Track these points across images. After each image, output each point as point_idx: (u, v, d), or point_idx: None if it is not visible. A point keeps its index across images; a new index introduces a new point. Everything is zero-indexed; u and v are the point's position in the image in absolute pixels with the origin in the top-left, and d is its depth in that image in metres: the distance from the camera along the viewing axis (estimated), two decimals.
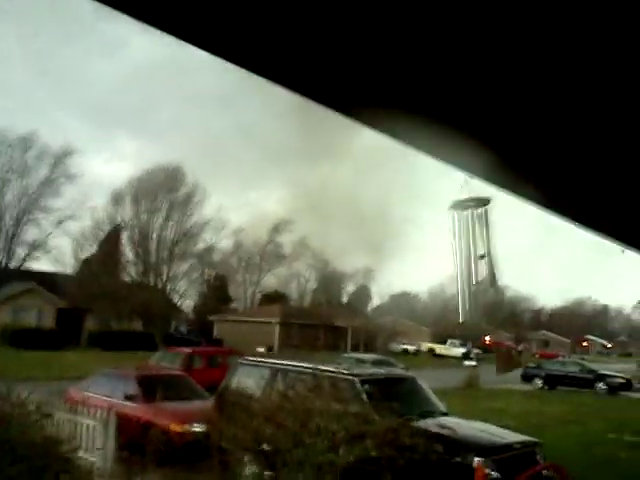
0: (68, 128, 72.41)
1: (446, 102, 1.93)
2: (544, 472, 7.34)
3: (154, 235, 50.38)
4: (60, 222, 50.61)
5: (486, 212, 3.70)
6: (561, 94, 1.80)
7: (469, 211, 3.69)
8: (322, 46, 1.48)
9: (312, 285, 68.37)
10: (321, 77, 1.65)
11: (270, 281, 64.33)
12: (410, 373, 10.16)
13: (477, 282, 3.74)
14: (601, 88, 1.77)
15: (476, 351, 53.57)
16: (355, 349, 46.96)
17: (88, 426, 8.82)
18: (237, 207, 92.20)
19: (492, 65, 1.59)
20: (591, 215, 3.75)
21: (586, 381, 27.66)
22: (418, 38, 1.46)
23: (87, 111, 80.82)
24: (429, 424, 7.39)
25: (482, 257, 3.70)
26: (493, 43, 1.48)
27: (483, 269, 3.71)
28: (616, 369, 32.96)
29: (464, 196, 3.63)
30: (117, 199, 49.84)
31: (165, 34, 1.39)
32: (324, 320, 53.70)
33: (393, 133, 2.36)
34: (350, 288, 72.22)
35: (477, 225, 3.69)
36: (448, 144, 2.48)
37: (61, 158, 50.98)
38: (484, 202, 3.71)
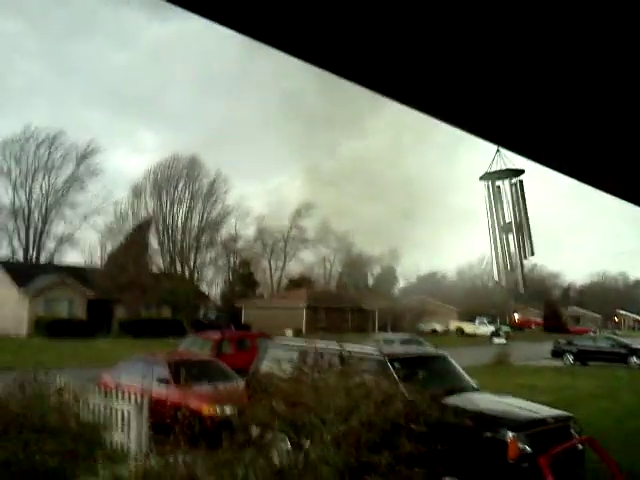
0: (90, 123, 73.39)
1: (480, 77, 1.91)
2: (578, 446, 7.28)
3: (179, 225, 50.91)
4: (86, 217, 51.51)
5: (521, 182, 3.63)
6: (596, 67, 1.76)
7: (503, 181, 3.62)
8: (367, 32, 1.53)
9: (337, 269, 68.47)
10: (366, 59, 1.71)
11: (295, 266, 64.66)
12: (440, 351, 10.11)
13: (512, 252, 3.68)
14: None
15: (505, 329, 53.22)
16: (383, 330, 46.98)
17: (122, 410, 8.98)
18: (260, 194, 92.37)
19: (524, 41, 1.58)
20: (625, 186, 3.66)
21: (619, 356, 27.30)
22: (452, 24, 1.51)
23: (106, 104, 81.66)
24: (460, 399, 7.36)
25: (518, 227, 3.63)
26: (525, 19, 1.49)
27: (519, 239, 3.65)
28: None
29: (496, 168, 3.56)
30: (137, 192, 50.41)
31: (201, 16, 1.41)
32: (350, 303, 53.81)
33: (426, 108, 2.32)
34: (376, 270, 72.19)
35: (512, 195, 3.63)
36: (480, 116, 2.44)
37: (86, 155, 51.74)
38: (518, 173, 3.64)
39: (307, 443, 5.44)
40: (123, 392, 9.16)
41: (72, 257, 52.48)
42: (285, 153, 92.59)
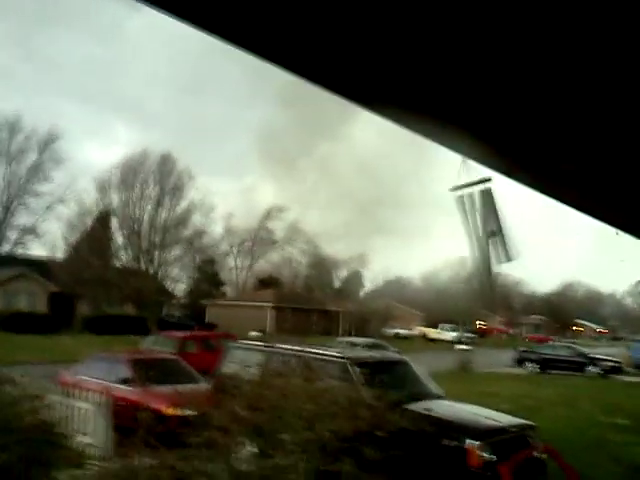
0: (59, 112, 72.09)
1: (446, 94, 1.93)
2: (537, 454, 7.39)
3: (145, 220, 50.16)
4: (49, 207, 50.31)
5: (490, 189, 3.66)
6: (555, 82, 1.78)
7: (473, 189, 3.65)
8: (344, 42, 1.52)
9: (304, 270, 68.43)
10: (341, 70, 1.71)
11: (263, 266, 64.44)
12: (403, 357, 10.17)
13: (492, 259, 3.70)
14: (593, 79, 1.75)
15: (469, 335, 53.86)
16: (347, 333, 47.13)
17: (82, 409, 8.80)
18: (231, 192, 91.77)
19: (487, 59, 1.60)
20: (585, 199, 3.73)
21: (578, 364, 27.90)
22: (422, 40, 1.53)
23: (79, 96, 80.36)
24: (423, 406, 7.40)
25: (494, 233, 3.66)
26: (489, 42, 1.50)
27: (496, 245, 3.68)
28: (607, 353, 33.24)
29: (463, 180, 3.59)
30: (101, 185, 49.53)
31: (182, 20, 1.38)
32: (317, 305, 53.87)
33: (397, 119, 2.33)
34: (343, 273, 72.36)
35: (484, 202, 3.65)
36: (448, 130, 2.46)
37: (49, 142, 50.57)
38: (486, 181, 3.67)
39: (270, 449, 5.40)
40: (84, 390, 8.98)
41: (36, 249, 50.86)
42: (258, 153, 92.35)
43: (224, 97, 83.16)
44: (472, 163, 3.41)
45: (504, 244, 3.64)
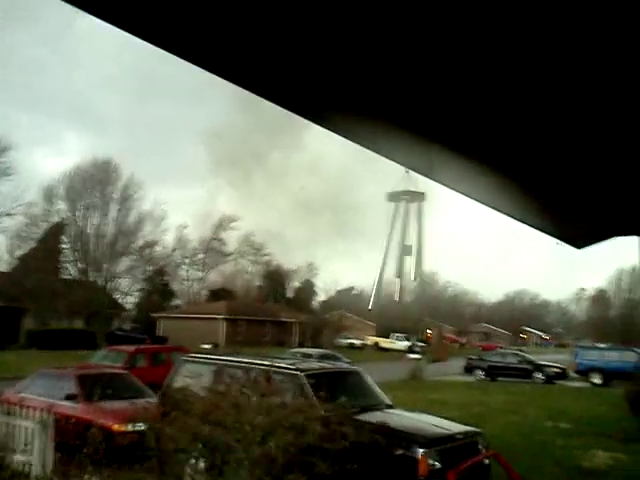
0: (7, 121, 69.86)
1: (390, 103, 1.96)
2: (485, 460, 7.56)
3: (91, 231, 49.06)
4: None
5: (420, 206, 3.74)
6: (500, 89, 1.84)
7: (404, 203, 3.72)
8: (296, 56, 1.51)
9: (257, 281, 68.15)
10: (290, 86, 1.70)
11: (215, 277, 63.88)
12: (355, 367, 10.24)
13: (405, 271, 3.79)
14: (540, 94, 1.82)
15: (420, 344, 54.52)
16: (302, 344, 47.04)
17: (25, 428, 8.53)
18: (181, 203, 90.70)
19: (432, 71, 1.64)
20: (527, 211, 3.86)
21: (525, 371, 28.56)
22: (376, 52, 1.50)
23: (25, 101, 78.13)
24: (373, 417, 7.47)
25: (411, 248, 3.75)
26: (436, 54, 1.52)
27: (412, 260, 3.77)
28: (552, 359, 34.18)
29: (401, 188, 3.66)
30: (48, 195, 48.26)
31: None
32: (270, 315, 53.63)
33: (341, 131, 2.37)
34: (295, 284, 72.33)
35: (411, 217, 3.73)
36: (395, 142, 2.51)
37: None
38: (419, 197, 3.75)
39: (221, 463, 5.36)
40: (27, 408, 8.71)
41: None
42: (211, 163, 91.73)
43: (176, 101, 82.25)
44: (415, 174, 3.47)
45: (419, 259, 3.73)
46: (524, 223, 4.00)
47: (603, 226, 4.08)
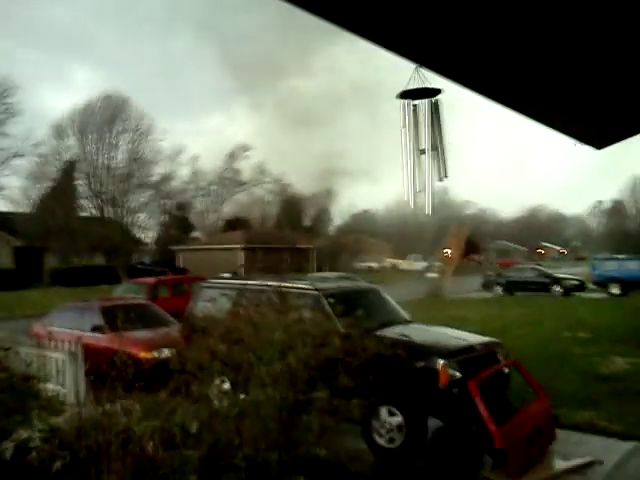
0: (11, 58, 68.75)
1: None
2: (505, 370, 7.68)
3: (104, 167, 49.06)
4: (4, 162, 48.60)
5: (437, 102, 3.58)
6: None
7: (419, 101, 3.57)
8: None
9: (273, 209, 68.24)
10: None
11: (231, 208, 64.06)
12: (373, 285, 10.30)
13: (427, 174, 3.68)
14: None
15: (438, 264, 54.81)
16: (320, 270, 47.56)
17: (56, 359, 8.80)
18: (196, 134, 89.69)
19: None
20: (544, 110, 3.71)
21: (543, 285, 28.77)
22: None
23: (32, 39, 76.61)
24: (393, 331, 7.57)
25: (433, 148, 3.62)
26: None
27: (433, 161, 3.65)
28: (571, 272, 34.32)
29: (413, 86, 3.48)
30: (59, 132, 47.99)
31: None
32: (288, 243, 53.95)
33: (343, 23, 2.23)
34: (311, 210, 72.34)
35: (428, 115, 3.59)
36: (398, 32, 2.36)
37: (3, 95, 48.36)
38: (434, 92, 3.57)
39: (245, 381, 5.48)
40: (56, 341, 8.96)
41: None
42: (224, 92, 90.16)
43: (186, 32, 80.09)
44: (426, 72, 3.26)
45: (441, 160, 3.61)
46: (544, 124, 3.86)
47: (621, 125, 3.93)
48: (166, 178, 53.32)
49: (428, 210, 3.94)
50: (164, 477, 4.69)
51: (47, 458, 4.73)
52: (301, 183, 67.33)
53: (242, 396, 5.52)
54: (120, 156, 49.94)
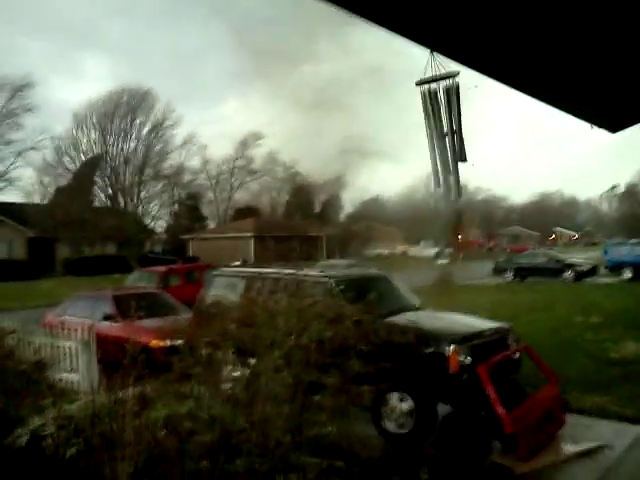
0: (29, 52, 68.94)
1: None
2: (515, 355, 7.67)
3: (121, 158, 49.36)
4: (20, 153, 48.78)
5: (457, 85, 3.55)
6: None
7: (438, 85, 3.55)
8: None
9: (284, 198, 68.23)
10: None
11: (242, 196, 64.11)
12: (382, 272, 10.30)
13: (449, 158, 3.67)
14: None
15: (448, 250, 54.71)
16: (330, 257, 47.58)
17: (69, 348, 8.90)
18: (207, 123, 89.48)
19: None
20: (560, 94, 3.68)
21: (555, 271, 28.53)
22: None
23: (48, 32, 76.77)
24: (403, 318, 7.58)
25: (452, 131, 3.61)
26: None
27: (453, 143, 3.64)
28: (583, 257, 34.08)
29: (430, 73, 3.47)
30: (79, 123, 48.28)
31: None
32: (298, 231, 54.02)
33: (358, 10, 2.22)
34: (322, 197, 72.25)
35: (447, 99, 3.57)
36: (413, 19, 2.34)
37: (20, 89, 48.46)
38: (452, 74, 3.55)
39: (258, 363, 5.51)
40: (68, 329, 9.05)
41: (10, 196, 49.60)
42: (235, 80, 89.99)
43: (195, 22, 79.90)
44: (442, 58, 3.26)
45: (459, 143, 3.60)
46: (559, 108, 3.83)
47: (636, 108, 3.90)
48: (181, 168, 53.57)
49: (454, 194, 3.94)
50: (177, 462, 4.74)
51: (62, 445, 4.80)
52: (317, 168, 66.95)
53: (255, 377, 5.55)
54: (136, 147, 50.27)
